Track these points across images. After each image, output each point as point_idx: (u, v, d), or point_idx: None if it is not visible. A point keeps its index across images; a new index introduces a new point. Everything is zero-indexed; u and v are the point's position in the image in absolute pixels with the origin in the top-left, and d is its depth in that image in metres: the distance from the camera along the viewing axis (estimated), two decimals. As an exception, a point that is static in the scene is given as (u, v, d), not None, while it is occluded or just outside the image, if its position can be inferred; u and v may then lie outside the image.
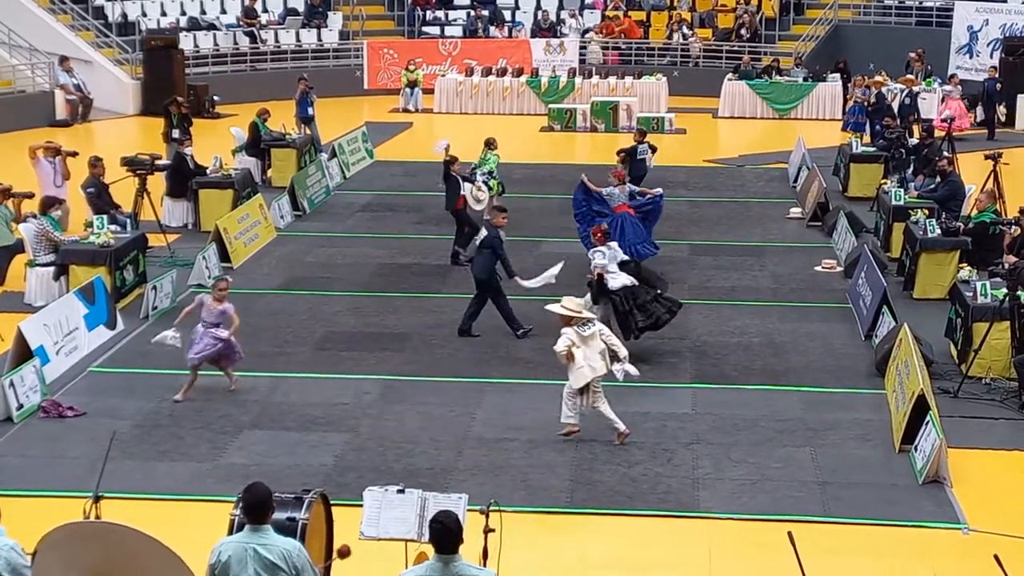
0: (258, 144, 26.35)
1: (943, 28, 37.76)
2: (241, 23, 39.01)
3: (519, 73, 36.98)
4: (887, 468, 13.17)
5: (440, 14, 41.74)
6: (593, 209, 19.83)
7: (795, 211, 24.30)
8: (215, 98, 34.80)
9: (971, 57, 36.84)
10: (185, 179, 22.74)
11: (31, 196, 20.40)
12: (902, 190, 21.36)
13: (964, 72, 35.90)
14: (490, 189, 22.29)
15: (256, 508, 8.33)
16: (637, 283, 16.35)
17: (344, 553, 9.30)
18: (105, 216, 19.11)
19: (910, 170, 23.60)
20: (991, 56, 36.08)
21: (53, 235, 18.39)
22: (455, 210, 20.61)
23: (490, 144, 23.28)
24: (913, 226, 19.30)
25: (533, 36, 40.38)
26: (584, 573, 11.23)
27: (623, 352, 13.75)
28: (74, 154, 22.31)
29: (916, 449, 13.14)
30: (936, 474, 12.71)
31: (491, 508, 9.30)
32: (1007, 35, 35.87)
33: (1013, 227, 17.97)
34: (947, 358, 16.15)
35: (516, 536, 9.77)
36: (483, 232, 17.43)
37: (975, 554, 11.07)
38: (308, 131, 28.44)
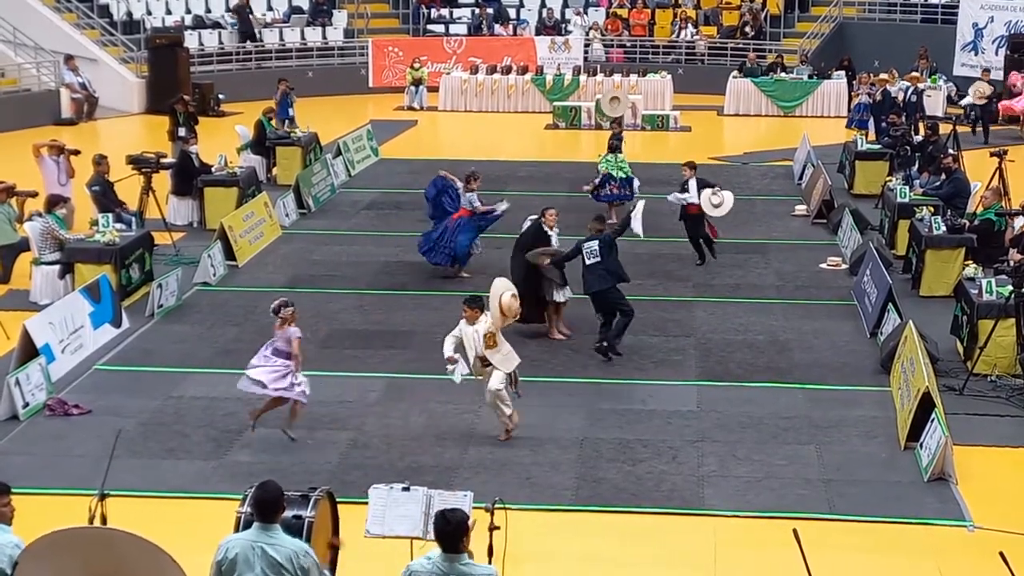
0: (263, 142, 26.38)
1: (948, 25, 37.73)
2: (234, 19, 38.90)
3: (524, 71, 36.98)
4: (892, 465, 13.17)
5: (445, 12, 41.76)
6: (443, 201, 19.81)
7: (800, 208, 24.29)
8: (220, 96, 34.82)
9: (976, 54, 36.80)
10: (190, 177, 22.77)
11: (35, 195, 20.41)
12: (907, 187, 21.36)
13: (968, 69, 35.86)
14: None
15: (267, 506, 8.34)
16: None
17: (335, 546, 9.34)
18: (110, 214, 19.14)
19: (915, 167, 23.59)
20: (996, 54, 36.04)
21: (58, 233, 18.41)
22: None
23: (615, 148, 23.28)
24: (918, 223, 19.29)
25: (538, 34, 40.39)
26: (588, 571, 11.23)
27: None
28: (77, 152, 22.32)
29: (921, 446, 13.14)
30: (941, 471, 12.70)
31: (496, 506, 9.31)
32: (1012, 32, 35.81)
33: (1019, 217, 17.97)
34: (953, 355, 16.14)
35: (521, 534, 9.77)
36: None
37: (980, 551, 11.08)
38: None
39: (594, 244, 16.07)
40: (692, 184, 20.35)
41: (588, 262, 16.10)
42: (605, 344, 16.06)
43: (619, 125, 25.26)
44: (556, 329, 17.08)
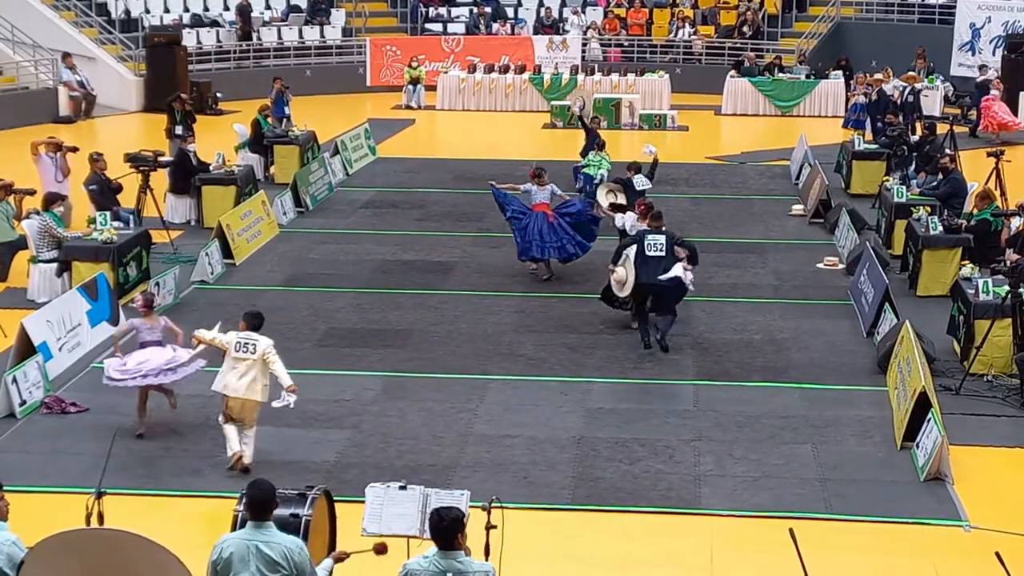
0: (261, 141, 26.38)
1: (945, 25, 37.73)
2: (236, 23, 38.89)
3: (522, 70, 36.96)
4: (889, 465, 13.18)
5: (443, 11, 41.74)
6: (514, 210, 19.49)
7: (797, 208, 24.30)
8: (218, 95, 34.81)
9: (973, 54, 36.81)
10: (188, 175, 22.76)
11: (32, 193, 20.41)
12: (904, 187, 21.36)
13: (966, 69, 35.88)
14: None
15: (259, 505, 8.35)
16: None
17: (380, 550, 9.28)
18: (108, 212, 19.14)
19: (912, 167, 23.61)
20: (993, 54, 36.05)
21: (56, 231, 18.41)
22: None
23: (600, 146, 23.23)
24: (915, 223, 19.30)
25: (536, 33, 40.38)
26: (585, 570, 11.24)
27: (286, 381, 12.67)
28: (74, 149, 22.33)
29: (918, 446, 13.15)
30: (938, 471, 12.72)
31: (493, 505, 9.31)
32: (1009, 32, 35.82)
33: (1015, 217, 18.01)
34: (949, 355, 16.14)
35: (518, 533, 9.78)
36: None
37: (976, 551, 11.08)
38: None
39: (660, 239, 16.26)
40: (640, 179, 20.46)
41: (650, 253, 16.24)
42: (660, 340, 16.36)
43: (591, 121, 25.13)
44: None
